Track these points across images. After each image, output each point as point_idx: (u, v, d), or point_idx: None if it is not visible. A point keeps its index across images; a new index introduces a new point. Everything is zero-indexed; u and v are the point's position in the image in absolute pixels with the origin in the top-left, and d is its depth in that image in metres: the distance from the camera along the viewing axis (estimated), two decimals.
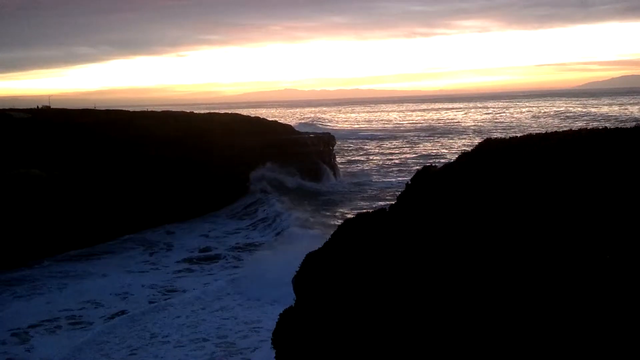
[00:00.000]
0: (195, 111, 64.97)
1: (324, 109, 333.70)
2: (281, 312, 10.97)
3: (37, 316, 24.46)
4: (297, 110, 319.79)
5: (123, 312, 24.63)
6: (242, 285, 26.66)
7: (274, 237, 36.25)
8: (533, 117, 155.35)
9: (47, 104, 68.55)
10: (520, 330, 7.28)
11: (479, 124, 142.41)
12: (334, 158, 60.02)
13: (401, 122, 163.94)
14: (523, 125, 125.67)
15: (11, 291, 28.46)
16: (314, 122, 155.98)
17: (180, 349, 20.44)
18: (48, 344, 21.60)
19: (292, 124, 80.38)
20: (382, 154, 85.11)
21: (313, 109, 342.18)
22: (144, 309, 24.78)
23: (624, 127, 9.02)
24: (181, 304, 25.12)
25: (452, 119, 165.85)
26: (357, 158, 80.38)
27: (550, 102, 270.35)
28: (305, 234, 32.11)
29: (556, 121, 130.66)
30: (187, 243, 36.44)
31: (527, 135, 10.17)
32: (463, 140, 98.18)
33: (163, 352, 20.27)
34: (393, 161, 76.14)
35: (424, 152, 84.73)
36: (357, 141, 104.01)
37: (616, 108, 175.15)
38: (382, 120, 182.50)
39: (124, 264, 32.50)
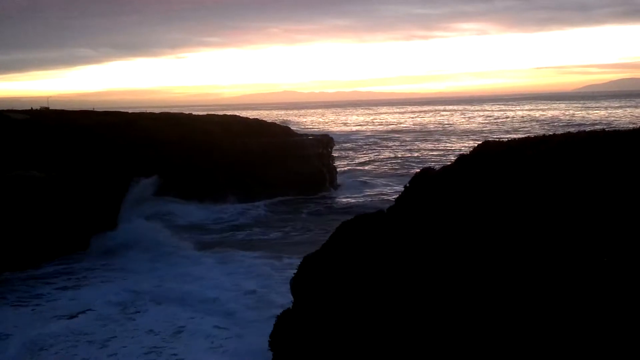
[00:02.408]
0: (194, 112, 64.88)
1: (320, 111, 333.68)
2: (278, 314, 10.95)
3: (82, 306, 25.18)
4: (294, 112, 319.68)
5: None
6: None
7: None
8: (533, 120, 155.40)
9: (46, 105, 68.55)
10: (514, 330, 7.27)
11: (478, 126, 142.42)
12: (333, 161, 59.79)
13: (399, 125, 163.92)
14: (522, 128, 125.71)
15: (54, 285, 29.03)
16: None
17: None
18: (97, 329, 22.41)
19: None
20: (381, 155, 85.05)
21: (310, 110, 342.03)
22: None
23: (622, 129, 9.02)
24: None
25: (451, 122, 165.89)
26: (356, 160, 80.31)
27: (549, 105, 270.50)
28: None
29: (557, 124, 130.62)
30: None
31: (525, 137, 10.17)
32: (462, 143, 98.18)
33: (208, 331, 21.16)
34: (391, 164, 76.07)
35: (422, 155, 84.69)
36: (352, 144, 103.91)
37: (618, 112, 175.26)
38: (380, 122, 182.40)
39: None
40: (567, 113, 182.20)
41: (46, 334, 22.10)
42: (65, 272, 31.48)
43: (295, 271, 11.15)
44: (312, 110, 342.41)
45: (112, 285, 28.37)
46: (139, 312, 24.20)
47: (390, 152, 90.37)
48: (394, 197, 11.14)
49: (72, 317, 24.08)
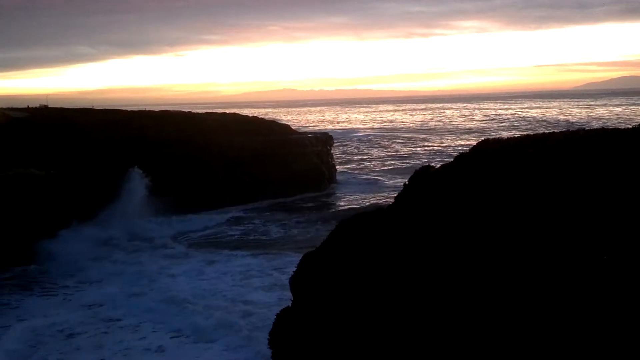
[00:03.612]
0: (193, 110, 64.78)
1: (320, 108, 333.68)
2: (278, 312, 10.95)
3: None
4: (293, 109, 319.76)
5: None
6: None
7: None
8: (533, 118, 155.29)
9: (45, 103, 68.45)
10: (514, 327, 7.27)
11: (478, 124, 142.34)
12: (332, 159, 59.79)
13: (399, 122, 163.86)
14: (522, 126, 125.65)
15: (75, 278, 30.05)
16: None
17: None
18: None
19: None
20: (381, 153, 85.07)
21: (310, 108, 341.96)
22: None
23: (622, 127, 9.02)
24: None
25: (451, 120, 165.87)
26: (355, 158, 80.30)
27: (549, 102, 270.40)
28: None
29: (557, 122, 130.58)
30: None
31: (524, 135, 10.16)
32: (461, 141, 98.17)
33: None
34: (390, 161, 76.08)
35: (421, 152, 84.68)
36: (352, 142, 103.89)
37: (618, 110, 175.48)
38: (379, 120, 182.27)
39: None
40: (567, 111, 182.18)
41: (78, 321, 23.42)
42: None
43: (294, 269, 11.15)
44: (312, 108, 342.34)
45: (127, 278, 29.23)
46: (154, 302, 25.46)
47: (390, 150, 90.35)
48: (393, 195, 11.11)
49: (101, 305, 25.46)
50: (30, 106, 60.57)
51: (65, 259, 32.98)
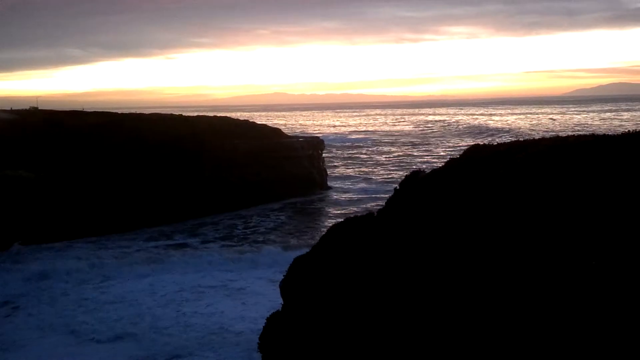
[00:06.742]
0: (184, 113, 64.58)
1: (311, 112, 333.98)
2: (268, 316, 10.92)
3: None
4: (284, 113, 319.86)
5: None
6: None
7: None
8: (525, 123, 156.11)
9: (35, 105, 68.13)
10: (494, 330, 7.28)
11: (469, 129, 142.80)
12: (323, 162, 59.83)
13: (390, 127, 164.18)
14: (513, 132, 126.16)
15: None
16: None
17: None
18: None
19: None
20: (372, 157, 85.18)
21: (301, 112, 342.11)
22: None
23: (611, 134, 9.08)
24: None
25: (441, 125, 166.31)
26: (346, 162, 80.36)
27: (540, 108, 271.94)
28: None
29: (548, 127, 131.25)
30: None
31: (514, 141, 10.21)
32: (452, 146, 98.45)
33: None
34: (381, 166, 76.19)
35: (412, 157, 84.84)
36: (343, 146, 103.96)
37: (606, 116, 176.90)
38: (370, 125, 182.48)
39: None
40: (557, 117, 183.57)
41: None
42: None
43: (284, 273, 11.12)
44: (303, 112, 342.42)
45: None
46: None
47: (380, 154, 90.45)
48: (384, 199, 11.13)
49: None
50: (14, 108, 60.27)
51: None
